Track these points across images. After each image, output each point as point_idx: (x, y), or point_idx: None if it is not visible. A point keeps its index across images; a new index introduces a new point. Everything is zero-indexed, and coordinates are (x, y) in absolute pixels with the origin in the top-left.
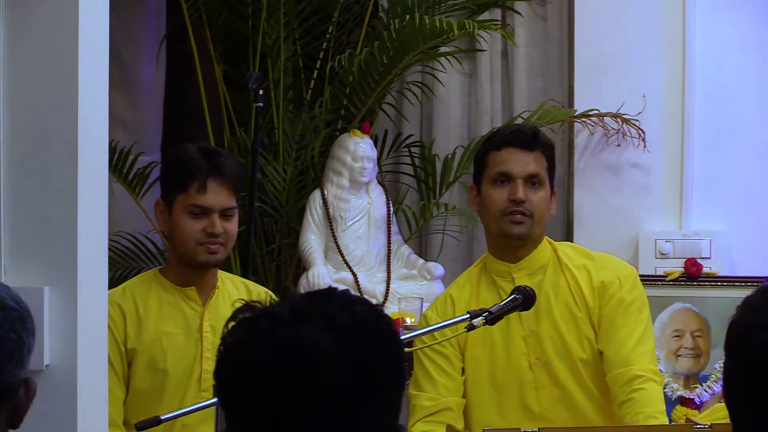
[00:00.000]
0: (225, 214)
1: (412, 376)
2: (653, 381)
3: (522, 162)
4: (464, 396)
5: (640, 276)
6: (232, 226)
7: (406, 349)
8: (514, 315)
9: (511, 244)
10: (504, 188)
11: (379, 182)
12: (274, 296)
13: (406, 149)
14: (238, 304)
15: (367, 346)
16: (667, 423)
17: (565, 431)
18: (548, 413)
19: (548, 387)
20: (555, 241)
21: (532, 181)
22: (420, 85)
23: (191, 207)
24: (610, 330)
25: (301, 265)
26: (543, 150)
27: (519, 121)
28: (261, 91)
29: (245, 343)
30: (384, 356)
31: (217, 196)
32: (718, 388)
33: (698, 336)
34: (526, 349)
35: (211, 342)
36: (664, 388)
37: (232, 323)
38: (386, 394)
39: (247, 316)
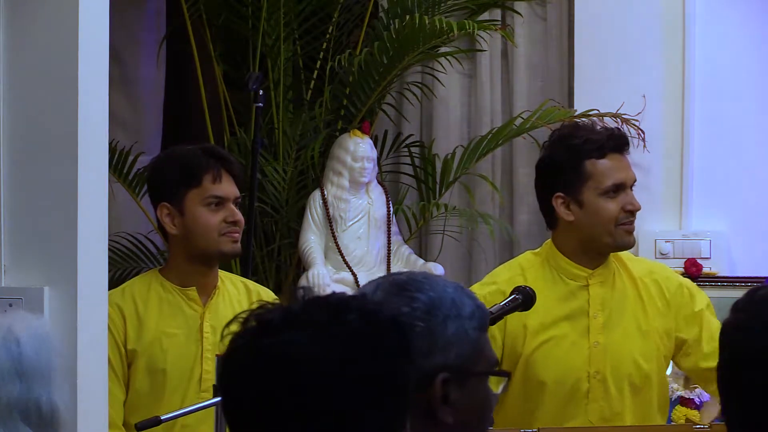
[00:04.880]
0: (235, 203)
1: None
2: None
3: (628, 168)
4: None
5: None
6: (241, 215)
7: None
8: (582, 323)
9: (605, 253)
10: (617, 198)
11: (379, 182)
12: (275, 297)
13: (406, 149)
14: (238, 307)
15: (356, 357)
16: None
17: (564, 431)
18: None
19: (600, 401)
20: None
21: (632, 187)
22: (420, 85)
23: (209, 199)
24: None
25: (301, 265)
26: None
27: (519, 121)
28: (261, 92)
29: (236, 350)
30: (377, 368)
31: (230, 185)
32: None
33: None
34: (588, 359)
35: (212, 342)
36: None
37: (232, 327)
38: (383, 407)
39: (243, 320)
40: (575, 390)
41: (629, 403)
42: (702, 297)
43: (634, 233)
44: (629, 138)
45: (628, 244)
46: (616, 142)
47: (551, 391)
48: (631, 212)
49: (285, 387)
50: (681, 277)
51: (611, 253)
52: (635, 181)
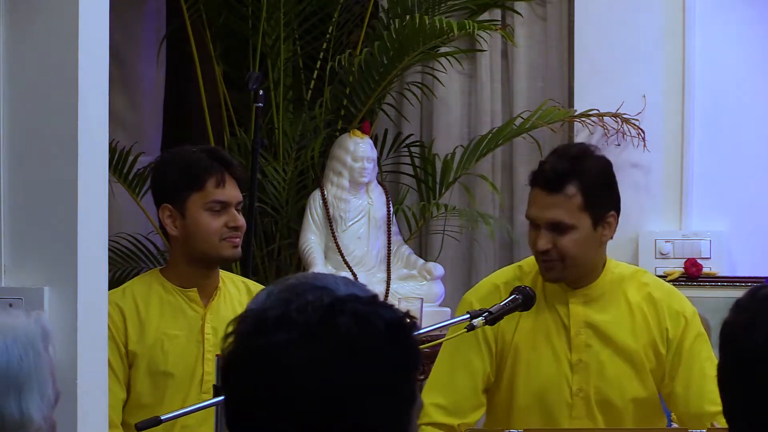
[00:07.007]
0: (237, 207)
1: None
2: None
3: (545, 207)
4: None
5: None
6: (243, 220)
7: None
8: (564, 337)
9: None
10: (535, 232)
11: (379, 182)
12: None
13: (406, 149)
14: (239, 308)
15: (343, 361)
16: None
17: (550, 431)
18: None
19: (583, 419)
20: None
21: (558, 228)
22: (420, 85)
23: (212, 203)
24: (684, 366)
25: (301, 266)
26: (579, 185)
27: (519, 121)
28: (261, 92)
29: (232, 349)
30: (367, 373)
31: (233, 189)
32: None
33: None
34: (570, 375)
35: (213, 343)
36: None
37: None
38: (377, 411)
39: (240, 318)
40: (558, 406)
41: (614, 423)
42: (695, 326)
43: (635, 232)
44: (566, 174)
45: (548, 280)
46: (542, 178)
47: (533, 407)
48: (543, 252)
49: (274, 388)
50: (685, 303)
51: (609, 267)
52: (556, 224)
